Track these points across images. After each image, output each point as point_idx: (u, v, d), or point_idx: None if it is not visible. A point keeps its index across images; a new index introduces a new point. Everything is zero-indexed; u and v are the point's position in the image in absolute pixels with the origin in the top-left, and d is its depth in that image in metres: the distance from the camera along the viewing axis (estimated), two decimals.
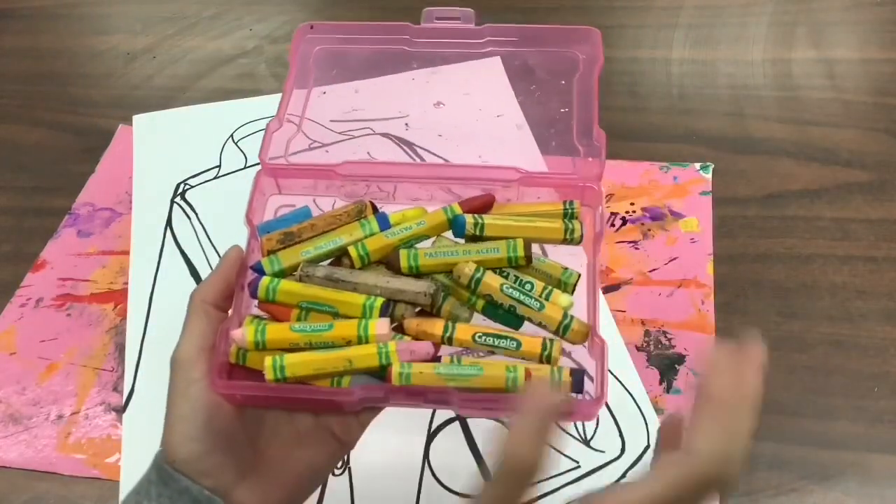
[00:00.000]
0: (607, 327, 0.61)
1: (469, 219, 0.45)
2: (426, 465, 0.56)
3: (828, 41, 0.83)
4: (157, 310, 0.66)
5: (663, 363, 0.59)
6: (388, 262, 0.45)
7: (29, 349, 0.64)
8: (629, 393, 0.57)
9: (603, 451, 0.55)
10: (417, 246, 0.46)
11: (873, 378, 0.58)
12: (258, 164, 0.72)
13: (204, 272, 0.68)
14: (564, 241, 0.46)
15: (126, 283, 0.68)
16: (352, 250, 0.45)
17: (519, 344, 0.42)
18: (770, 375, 0.58)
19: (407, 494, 0.54)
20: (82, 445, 0.59)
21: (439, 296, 0.44)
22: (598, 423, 0.56)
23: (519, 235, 0.45)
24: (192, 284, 0.67)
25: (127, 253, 0.70)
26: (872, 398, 0.57)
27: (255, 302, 0.44)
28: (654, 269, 0.65)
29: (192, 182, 0.75)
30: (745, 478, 0.53)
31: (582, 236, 0.46)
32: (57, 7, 0.99)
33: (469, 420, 0.57)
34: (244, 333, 0.42)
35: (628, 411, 0.57)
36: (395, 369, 0.40)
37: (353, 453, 0.56)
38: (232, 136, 0.79)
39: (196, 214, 0.73)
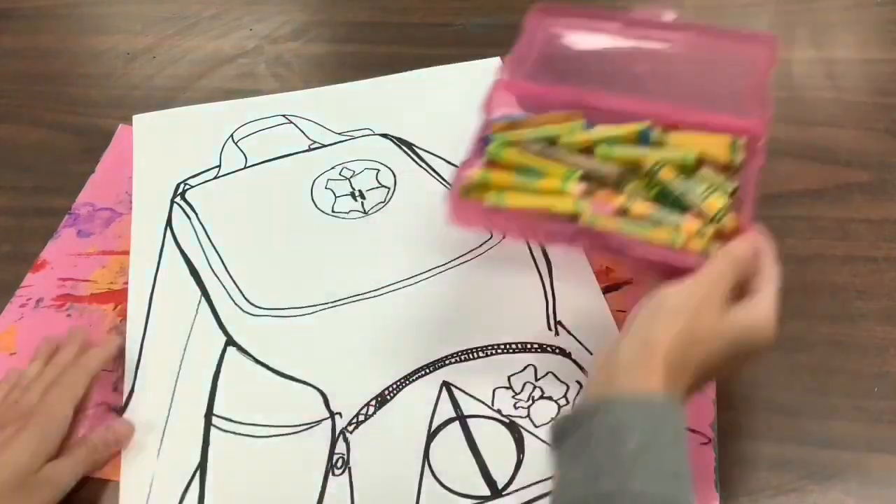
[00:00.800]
0: (607, 327, 0.61)
1: (657, 132, 0.57)
2: (426, 464, 0.55)
3: (828, 41, 0.83)
4: (157, 310, 0.66)
5: None
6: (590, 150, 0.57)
7: (29, 349, 0.64)
8: None
9: None
10: None
11: (873, 378, 0.58)
12: (258, 163, 0.72)
13: (204, 272, 0.68)
14: (728, 164, 0.55)
15: (126, 283, 0.68)
16: (562, 137, 0.58)
17: (679, 225, 0.52)
18: (770, 376, 0.58)
19: (407, 495, 0.54)
20: None
21: (624, 178, 0.55)
22: None
23: (693, 147, 0.56)
24: (193, 284, 0.67)
25: (127, 253, 0.70)
26: (872, 398, 0.57)
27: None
28: None
29: (191, 182, 0.75)
30: (745, 478, 0.53)
31: (742, 163, 0.55)
32: (57, 7, 0.99)
33: (469, 420, 0.57)
34: (474, 173, 0.56)
35: None
36: (586, 215, 0.52)
37: (353, 453, 0.56)
38: (232, 136, 0.79)
39: (196, 214, 0.72)
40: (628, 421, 0.41)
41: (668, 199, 0.54)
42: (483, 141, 0.59)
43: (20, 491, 0.50)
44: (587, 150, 0.58)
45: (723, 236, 0.51)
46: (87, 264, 0.70)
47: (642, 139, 0.57)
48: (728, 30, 0.67)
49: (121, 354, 0.63)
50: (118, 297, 0.67)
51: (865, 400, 0.56)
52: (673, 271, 0.49)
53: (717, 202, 0.53)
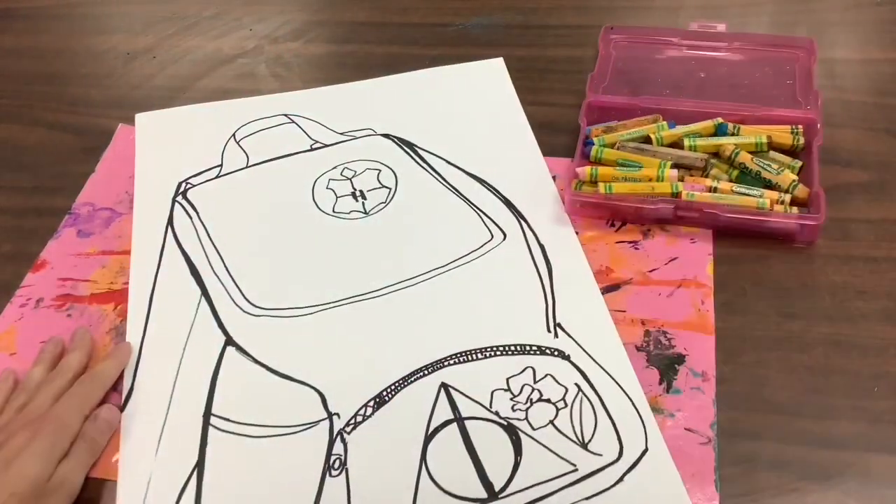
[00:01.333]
0: (606, 327, 0.61)
1: (730, 125, 0.71)
2: (423, 466, 0.55)
3: (828, 41, 0.83)
4: (157, 309, 0.66)
5: (663, 363, 0.59)
6: (675, 145, 0.71)
7: (29, 349, 0.64)
8: (627, 396, 0.57)
9: (601, 455, 0.55)
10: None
11: (873, 378, 0.58)
12: (260, 163, 0.75)
13: (204, 271, 0.68)
14: (792, 147, 0.70)
15: (126, 283, 0.68)
16: (652, 135, 0.71)
17: (762, 194, 0.65)
18: (770, 376, 0.58)
19: (403, 496, 0.54)
20: None
21: (709, 164, 0.69)
22: (595, 426, 0.56)
23: (762, 134, 0.70)
24: (193, 283, 0.67)
25: (127, 253, 0.70)
26: (872, 398, 0.57)
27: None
28: (654, 269, 0.65)
29: (193, 181, 0.75)
30: (745, 478, 0.53)
31: (803, 147, 0.70)
32: (57, 7, 0.99)
33: (467, 422, 0.57)
34: (584, 170, 0.68)
35: (626, 415, 0.56)
36: (684, 193, 0.66)
37: (350, 454, 0.56)
38: (234, 135, 0.79)
39: (197, 213, 0.72)
40: None
41: (747, 178, 0.68)
42: (584, 144, 0.71)
43: (37, 499, 0.50)
44: (673, 145, 0.71)
45: (797, 203, 0.66)
46: (87, 264, 0.70)
47: (719, 132, 0.71)
48: (771, 36, 0.81)
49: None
50: (118, 297, 0.67)
51: (865, 400, 0.56)
52: (761, 233, 0.65)
53: (788, 176, 0.66)
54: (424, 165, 0.75)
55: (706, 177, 0.68)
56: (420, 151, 0.76)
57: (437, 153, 0.76)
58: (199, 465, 0.56)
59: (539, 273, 0.65)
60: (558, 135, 0.76)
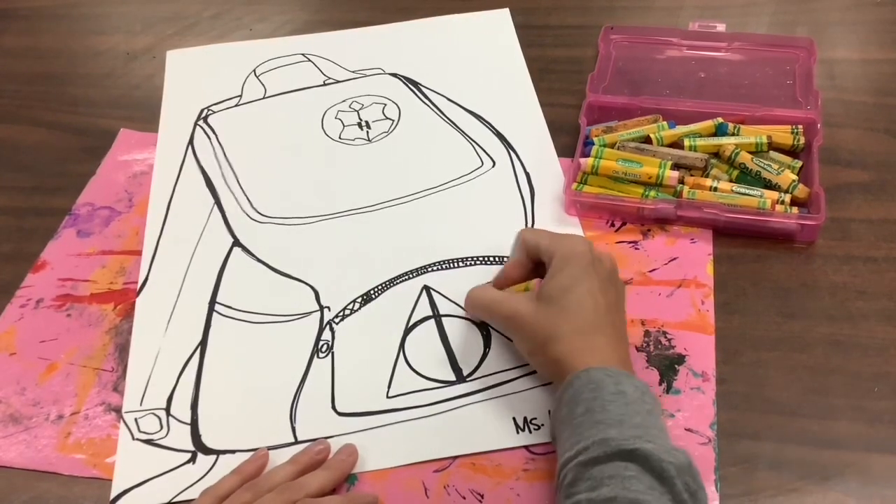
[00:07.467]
0: None
1: (730, 125, 0.71)
2: (401, 353, 0.61)
3: (828, 41, 0.83)
4: (173, 213, 0.72)
5: (663, 363, 0.59)
6: (675, 145, 0.71)
7: (29, 349, 0.64)
8: None
9: None
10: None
11: (873, 378, 0.58)
12: (276, 95, 0.84)
13: (218, 184, 0.74)
14: (792, 147, 0.70)
15: (126, 284, 0.68)
16: (652, 135, 0.70)
17: (762, 194, 0.65)
18: (770, 376, 0.58)
19: (381, 376, 0.60)
20: (82, 445, 0.58)
21: (709, 164, 0.69)
22: None
23: (762, 134, 0.70)
24: (207, 194, 0.74)
25: (127, 253, 0.70)
26: (872, 398, 0.57)
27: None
28: (653, 269, 0.65)
29: (214, 109, 0.81)
30: (745, 478, 0.53)
31: (803, 147, 0.70)
32: (57, 7, 0.99)
33: (444, 319, 0.63)
34: (587, 162, 0.68)
35: None
36: (686, 191, 0.66)
37: (337, 341, 0.62)
38: (254, 70, 0.85)
39: (216, 135, 0.79)
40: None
41: (747, 178, 0.68)
42: (584, 144, 0.71)
43: None
44: (673, 145, 0.70)
45: (797, 203, 0.66)
46: (88, 264, 0.70)
47: (719, 132, 0.71)
48: (770, 36, 0.81)
49: (121, 354, 0.63)
50: (118, 296, 0.67)
51: (865, 400, 0.56)
52: (761, 233, 0.65)
53: (788, 176, 0.66)
54: (427, 101, 0.80)
55: (706, 177, 0.68)
56: (424, 89, 0.82)
57: (439, 91, 0.81)
58: (202, 344, 0.63)
59: (522, 196, 0.71)
60: (558, 135, 0.76)
